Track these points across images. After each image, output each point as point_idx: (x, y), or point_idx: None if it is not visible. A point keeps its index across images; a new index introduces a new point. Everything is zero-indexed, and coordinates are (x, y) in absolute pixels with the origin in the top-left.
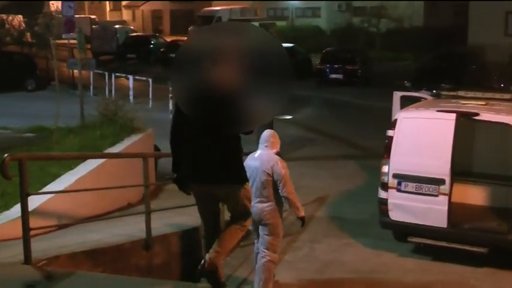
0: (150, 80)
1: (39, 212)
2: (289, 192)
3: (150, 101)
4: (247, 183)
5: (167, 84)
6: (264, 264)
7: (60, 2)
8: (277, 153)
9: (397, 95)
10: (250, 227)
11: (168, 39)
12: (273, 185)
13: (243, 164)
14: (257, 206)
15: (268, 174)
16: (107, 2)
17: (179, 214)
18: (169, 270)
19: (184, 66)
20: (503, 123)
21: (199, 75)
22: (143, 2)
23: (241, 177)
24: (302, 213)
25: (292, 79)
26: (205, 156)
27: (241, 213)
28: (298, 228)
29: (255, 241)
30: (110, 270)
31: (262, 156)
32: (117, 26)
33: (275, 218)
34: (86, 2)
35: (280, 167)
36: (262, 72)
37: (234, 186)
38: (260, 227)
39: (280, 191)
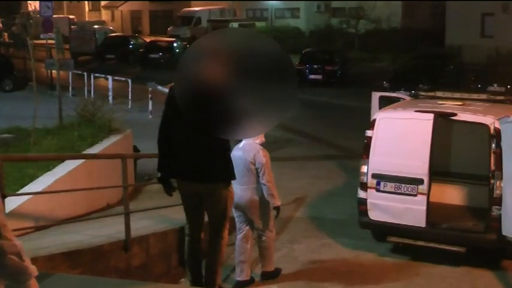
0: (130, 81)
1: (16, 214)
2: (268, 180)
3: (130, 102)
4: (231, 184)
5: (146, 85)
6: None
7: (38, 2)
8: (262, 144)
9: (376, 96)
10: (235, 213)
11: (147, 39)
12: (256, 174)
13: (231, 164)
14: (240, 192)
15: (251, 163)
16: (86, 2)
17: (158, 215)
18: (148, 272)
19: (188, 66)
20: (480, 123)
21: (201, 76)
22: (122, 2)
23: (228, 177)
24: (278, 203)
25: (295, 90)
26: (194, 155)
27: (220, 216)
28: (277, 228)
29: (243, 227)
30: (88, 271)
31: (245, 147)
32: (95, 27)
33: (256, 202)
34: (65, 2)
35: (262, 156)
36: (264, 79)
37: (220, 185)
38: (247, 214)
39: (260, 178)
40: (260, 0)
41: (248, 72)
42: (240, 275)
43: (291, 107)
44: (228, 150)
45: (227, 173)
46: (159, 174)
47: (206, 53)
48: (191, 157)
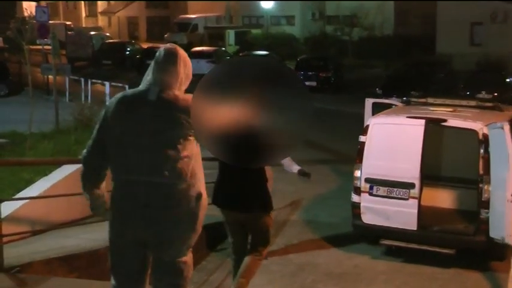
0: (127, 87)
1: (12, 218)
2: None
3: None
4: (272, 211)
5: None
6: None
7: (34, 7)
8: None
9: (369, 102)
10: None
11: (144, 45)
12: None
13: (269, 193)
14: None
15: None
16: (83, 8)
17: None
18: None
19: (205, 101)
20: (469, 129)
21: (222, 110)
22: (119, 8)
23: (269, 206)
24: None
25: (312, 114)
26: (235, 185)
27: (262, 240)
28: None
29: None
30: (85, 275)
31: None
32: (92, 32)
33: None
34: (61, 8)
35: None
36: (283, 107)
37: (261, 214)
38: None
39: None
40: (256, 0)
41: (269, 104)
42: None
43: (307, 131)
44: (266, 180)
45: (267, 202)
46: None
47: (221, 88)
48: (231, 187)
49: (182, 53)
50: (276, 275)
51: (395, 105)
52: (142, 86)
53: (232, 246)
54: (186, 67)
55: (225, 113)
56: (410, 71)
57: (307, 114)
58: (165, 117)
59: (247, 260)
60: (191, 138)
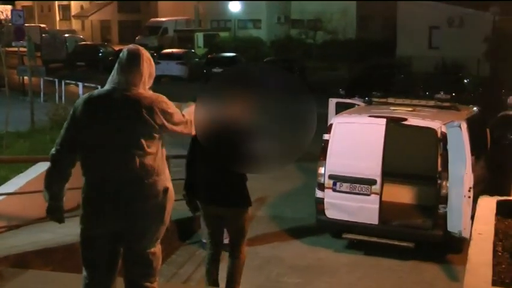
0: (99, 87)
1: None
2: None
3: None
4: (250, 207)
5: None
6: None
7: (9, 10)
8: None
9: (332, 102)
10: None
11: (116, 48)
12: None
13: (247, 189)
14: None
15: None
16: (57, 12)
17: None
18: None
19: (209, 103)
20: (428, 127)
21: (222, 113)
22: (92, 12)
23: (247, 201)
24: None
25: (314, 125)
26: (216, 180)
27: (240, 235)
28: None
29: None
30: (60, 269)
31: None
32: (66, 35)
33: None
34: (36, 12)
35: None
36: (285, 116)
37: (240, 209)
38: None
39: None
40: (224, 0)
41: (267, 113)
42: None
43: (306, 144)
44: (246, 178)
45: (245, 198)
46: (184, 193)
47: (227, 93)
48: (212, 182)
49: (145, 53)
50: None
51: (358, 104)
52: (107, 86)
53: (209, 239)
54: (149, 66)
55: (227, 118)
56: (372, 72)
57: (310, 127)
58: (130, 116)
59: (232, 264)
60: (156, 135)
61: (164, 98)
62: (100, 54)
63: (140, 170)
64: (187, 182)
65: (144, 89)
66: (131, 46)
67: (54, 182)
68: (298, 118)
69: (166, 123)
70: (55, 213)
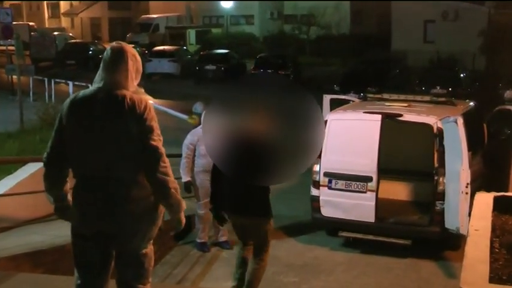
0: (90, 86)
1: None
2: None
3: None
4: (272, 218)
5: None
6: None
7: None
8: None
9: (327, 98)
10: None
11: (107, 46)
12: None
13: (269, 202)
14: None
15: None
16: (45, 10)
17: None
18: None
19: (217, 118)
20: (424, 123)
21: (233, 127)
22: (82, 9)
23: (268, 213)
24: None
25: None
26: (240, 191)
27: (263, 244)
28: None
29: None
30: (51, 271)
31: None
32: (55, 33)
33: None
34: (24, 10)
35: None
36: (294, 126)
37: (261, 219)
38: None
39: None
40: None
41: (282, 124)
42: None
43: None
44: (269, 190)
45: (267, 209)
46: (211, 205)
47: (233, 105)
48: (236, 193)
49: (129, 49)
50: None
51: (353, 101)
52: (93, 87)
53: (239, 244)
54: (135, 63)
55: (236, 131)
56: (367, 68)
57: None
58: (115, 116)
59: (253, 270)
60: (142, 135)
61: (152, 109)
62: (90, 52)
63: (128, 170)
64: (214, 195)
65: (132, 86)
66: (114, 44)
67: (52, 185)
68: (307, 123)
69: (144, 134)
70: (64, 213)
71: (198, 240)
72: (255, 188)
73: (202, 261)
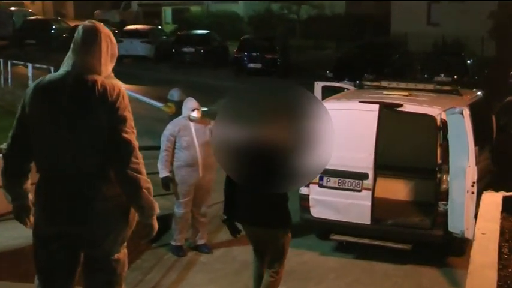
0: (52, 69)
1: None
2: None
3: None
4: (290, 230)
5: None
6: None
7: None
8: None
9: (319, 86)
10: None
11: (72, 23)
12: None
13: (289, 212)
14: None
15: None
16: None
17: None
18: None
19: (228, 126)
20: (426, 114)
21: (246, 135)
22: None
23: (287, 223)
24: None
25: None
26: (256, 201)
27: (279, 257)
28: (215, 226)
29: None
30: (7, 276)
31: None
32: (13, 8)
33: None
34: None
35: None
36: (306, 132)
37: (280, 230)
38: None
39: None
40: None
41: (293, 132)
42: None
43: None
44: (287, 199)
45: (286, 220)
46: (225, 217)
47: (245, 113)
48: (253, 204)
49: (103, 29)
50: (218, 273)
51: (347, 89)
52: (61, 70)
53: (254, 256)
54: (109, 45)
55: (247, 139)
56: (363, 52)
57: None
58: (84, 105)
59: (267, 282)
60: (114, 126)
61: (125, 97)
62: (53, 31)
63: (97, 165)
64: (227, 206)
65: (106, 71)
66: (86, 23)
67: (12, 181)
68: (315, 125)
69: (115, 125)
70: (22, 214)
71: (174, 243)
72: (272, 196)
73: (178, 267)
